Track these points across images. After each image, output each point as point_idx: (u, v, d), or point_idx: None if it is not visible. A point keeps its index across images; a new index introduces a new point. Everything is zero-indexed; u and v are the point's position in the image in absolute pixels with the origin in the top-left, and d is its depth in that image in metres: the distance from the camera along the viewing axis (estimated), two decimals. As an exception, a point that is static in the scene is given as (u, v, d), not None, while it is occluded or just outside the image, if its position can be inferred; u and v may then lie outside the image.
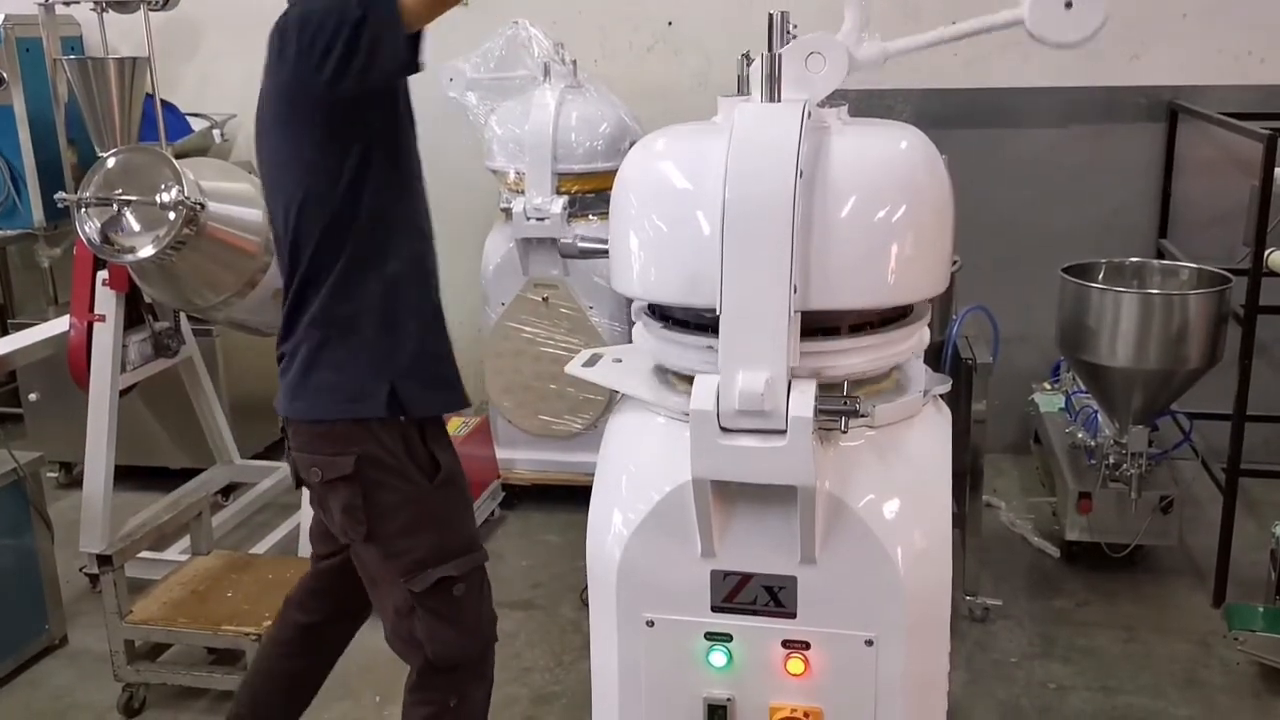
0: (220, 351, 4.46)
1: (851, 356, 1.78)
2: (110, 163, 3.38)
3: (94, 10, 3.65)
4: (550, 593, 3.76)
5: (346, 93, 1.94)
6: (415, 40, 1.92)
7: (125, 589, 3.15)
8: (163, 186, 3.26)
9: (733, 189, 1.64)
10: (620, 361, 2.05)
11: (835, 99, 1.88)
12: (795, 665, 1.83)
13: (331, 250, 2.07)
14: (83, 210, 3.31)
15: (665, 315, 1.91)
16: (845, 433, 1.73)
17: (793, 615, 1.81)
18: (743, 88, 1.95)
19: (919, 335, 1.92)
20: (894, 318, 1.89)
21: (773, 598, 1.81)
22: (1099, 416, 3.78)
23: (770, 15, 1.82)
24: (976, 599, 3.48)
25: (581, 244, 2.18)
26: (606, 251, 1.96)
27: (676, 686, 1.89)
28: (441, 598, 2.17)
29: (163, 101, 3.93)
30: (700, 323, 1.82)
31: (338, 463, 2.11)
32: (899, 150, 1.84)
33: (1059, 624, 3.48)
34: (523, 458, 4.37)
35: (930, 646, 1.87)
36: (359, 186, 2.04)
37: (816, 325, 1.76)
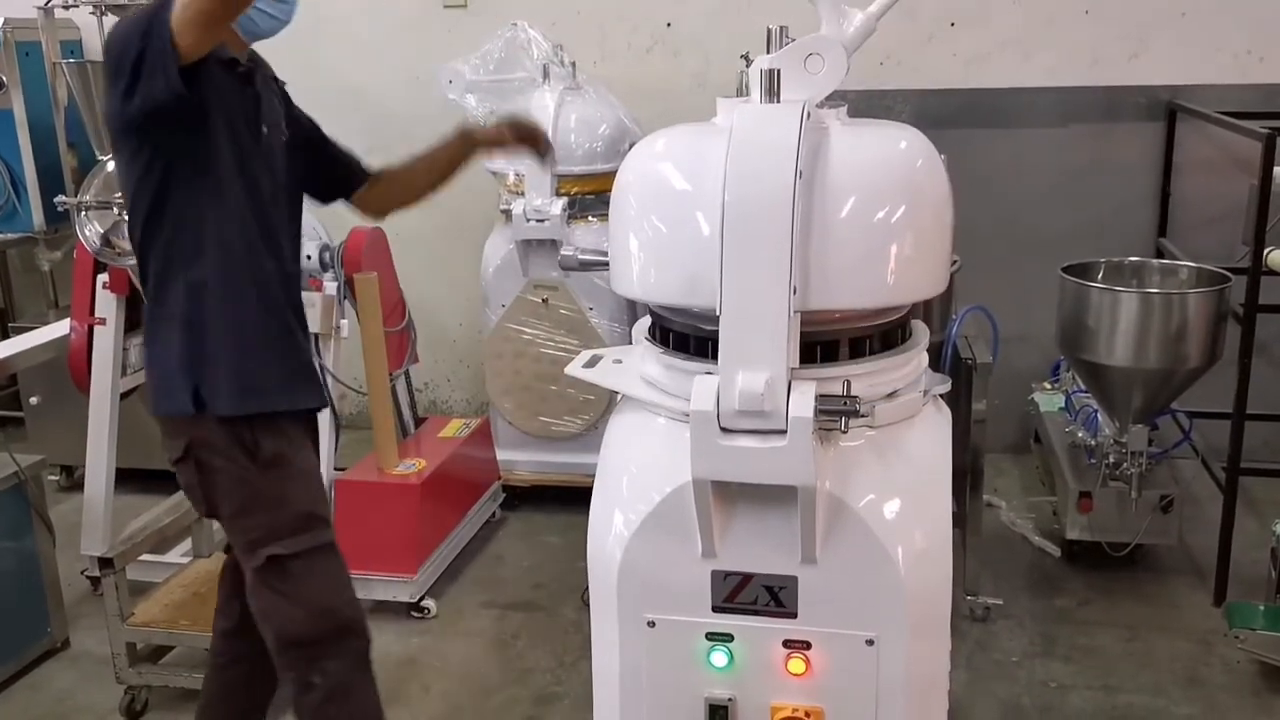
0: (220, 354, 4.46)
1: (854, 384, 1.75)
2: (110, 166, 3.35)
3: (93, 14, 3.64)
4: (551, 594, 3.76)
5: (136, 115, 2.11)
6: (191, 70, 2.06)
7: (127, 591, 3.16)
8: (163, 189, 3.26)
9: (732, 190, 1.64)
10: (620, 362, 2.06)
11: (835, 99, 1.88)
12: (796, 665, 1.83)
13: (146, 259, 2.27)
14: (83, 214, 3.30)
15: (665, 337, 1.91)
16: (845, 433, 1.73)
17: (793, 615, 1.81)
18: (742, 90, 1.95)
19: (917, 361, 1.92)
20: (893, 335, 1.89)
21: (773, 598, 1.81)
22: (1099, 416, 3.78)
23: (769, 29, 1.83)
24: (977, 598, 3.48)
25: (581, 256, 2.17)
26: (607, 263, 1.96)
27: (678, 687, 1.89)
28: (275, 575, 2.28)
29: (162, 104, 3.93)
30: (700, 335, 1.83)
31: (174, 446, 2.29)
32: (898, 150, 1.84)
33: (1060, 623, 3.48)
34: (523, 459, 4.37)
35: (931, 646, 1.87)
36: (163, 199, 2.20)
37: (814, 340, 1.77)
